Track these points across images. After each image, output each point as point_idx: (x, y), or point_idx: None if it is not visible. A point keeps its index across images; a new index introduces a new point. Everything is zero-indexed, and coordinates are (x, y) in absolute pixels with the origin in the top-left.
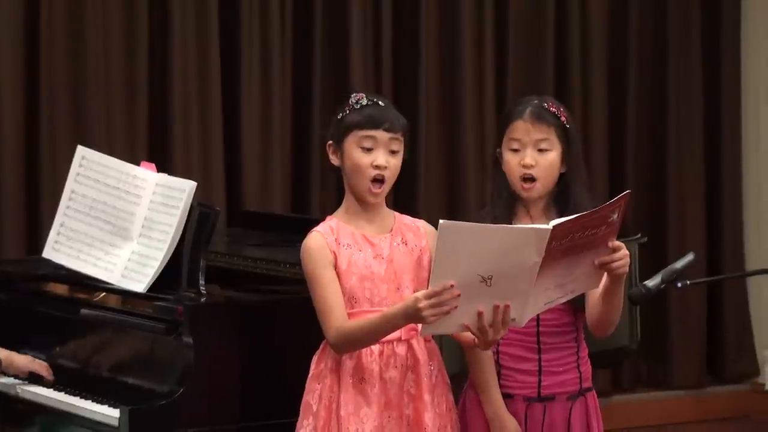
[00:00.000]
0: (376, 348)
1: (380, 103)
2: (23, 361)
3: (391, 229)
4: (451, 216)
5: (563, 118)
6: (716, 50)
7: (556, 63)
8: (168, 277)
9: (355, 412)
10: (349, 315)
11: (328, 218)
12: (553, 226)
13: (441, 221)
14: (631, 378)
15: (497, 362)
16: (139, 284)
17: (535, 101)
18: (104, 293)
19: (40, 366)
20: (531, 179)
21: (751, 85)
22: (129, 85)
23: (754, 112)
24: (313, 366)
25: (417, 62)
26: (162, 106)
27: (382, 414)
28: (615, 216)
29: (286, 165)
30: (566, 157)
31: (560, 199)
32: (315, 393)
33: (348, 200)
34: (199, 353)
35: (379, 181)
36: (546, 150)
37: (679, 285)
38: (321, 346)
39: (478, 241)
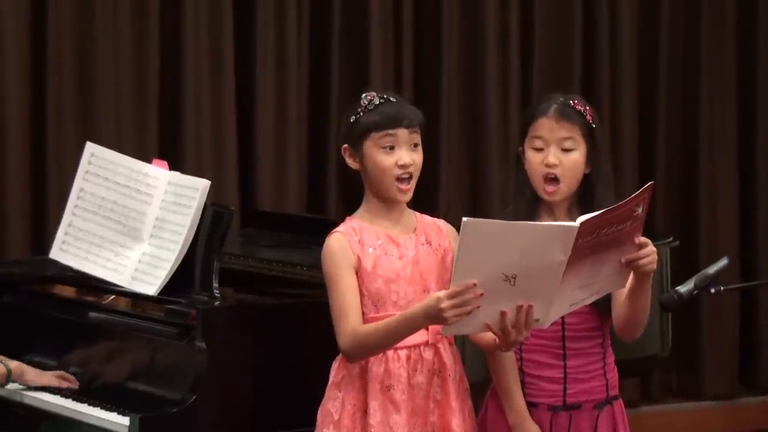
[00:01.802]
0: (403, 353)
1: (392, 99)
2: (33, 375)
3: (415, 229)
4: (473, 216)
5: (589, 117)
6: (751, 45)
7: (584, 59)
8: (180, 280)
9: (385, 420)
10: (374, 318)
11: (348, 219)
12: (581, 223)
13: (464, 219)
14: (660, 388)
15: (521, 370)
16: (150, 287)
17: (561, 98)
18: (114, 296)
19: (51, 380)
20: (554, 179)
21: None
22: (139, 81)
23: None
24: (333, 373)
25: (439, 57)
26: (174, 102)
27: (410, 421)
28: (640, 210)
29: (301, 164)
30: (591, 157)
31: (584, 200)
32: (336, 401)
33: (369, 201)
34: (212, 359)
35: (405, 179)
36: (570, 149)
37: (713, 291)
38: (341, 353)
39: (502, 239)
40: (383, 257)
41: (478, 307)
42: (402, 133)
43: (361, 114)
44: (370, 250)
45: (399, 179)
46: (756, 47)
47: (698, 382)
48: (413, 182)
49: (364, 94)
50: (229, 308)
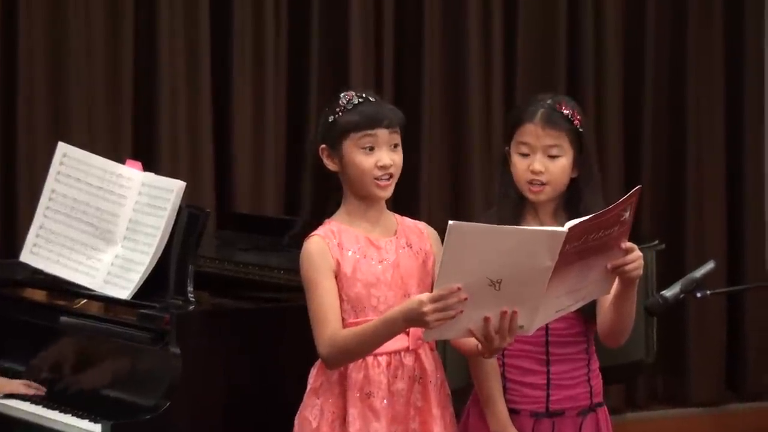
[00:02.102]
0: (383, 359)
1: (372, 99)
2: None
3: (395, 232)
4: (455, 218)
5: (576, 122)
6: (739, 44)
7: (568, 57)
8: (154, 284)
9: (364, 428)
10: (353, 324)
11: (327, 222)
12: (569, 228)
13: (450, 222)
14: (645, 394)
15: (503, 375)
16: (123, 290)
17: (548, 101)
18: (85, 300)
19: (18, 387)
20: (539, 184)
21: None
22: (113, 80)
23: None
24: (311, 379)
25: (420, 57)
26: (148, 102)
27: (389, 428)
28: (627, 214)
29: (279, 165)
30: (578, 161)
31: (571, 203)
32: (315, 408)
33: (349, 203)
34: (186, 365)
35: (385, 179)
36: (557, 156)
37: (699, 295)
38: (320, 359)
39: (488, 243)
40: (363, 261)
41: (462, 311)
42: (382, 133)
43: (340, 114)
44: (350, 253)
45: (379, 180)
46: (743, 47)
47: (684, 388)
48: (393, 181)
49: (342, 94)
50: (204, 313)
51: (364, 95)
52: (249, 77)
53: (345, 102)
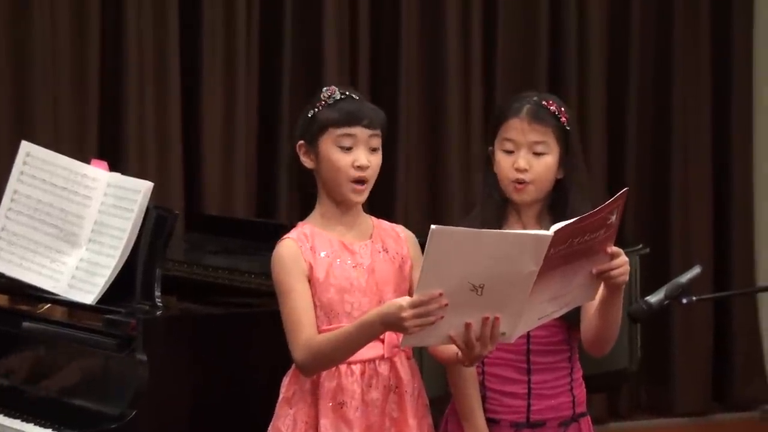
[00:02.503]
0: (357, 368)
1: (355, 96)
2: None
3: (371, 236)
4: (432, 220)
5: (564, 119)
6: (726, 42)
7: (550, 56)
8: (120, 288)
9: None
10: (327, 331)
11: (300, 224)
12: (554, 232)
13: (433, 226)
14: (629, 403)
15: (482, 384)
16: (88, 295)
17: (534, 98)
18: (49, 305)
19: None
20: (523, 182)
21: (763, 82)
22: (79, 79)
23: (767, 111)
24: (283, 389)
25: (397, 55)
26: (115, 101)
27: None
28: (613, 217)
29: (250, 165)
30: (564, 161)
31: (556, 206)
32: (287, 418)
33: (323, 204)
34: (153, 372)
35: (361, 182)
36: (542, 153)
37: (684, 301)
38: (292, 367)
39: (471, 247)
40: (336, 265)
41: (442, 317)
42: (361, 132)
43: (320, 108)
44: (323, 257)
45: (354, 181)
46: (731, 45)
47: (669, 397)
48: (369, 185)
49: (324, 88)
50: (171, 318)
51: (347, 92)
52: (219, 75)
53: (326, 97)
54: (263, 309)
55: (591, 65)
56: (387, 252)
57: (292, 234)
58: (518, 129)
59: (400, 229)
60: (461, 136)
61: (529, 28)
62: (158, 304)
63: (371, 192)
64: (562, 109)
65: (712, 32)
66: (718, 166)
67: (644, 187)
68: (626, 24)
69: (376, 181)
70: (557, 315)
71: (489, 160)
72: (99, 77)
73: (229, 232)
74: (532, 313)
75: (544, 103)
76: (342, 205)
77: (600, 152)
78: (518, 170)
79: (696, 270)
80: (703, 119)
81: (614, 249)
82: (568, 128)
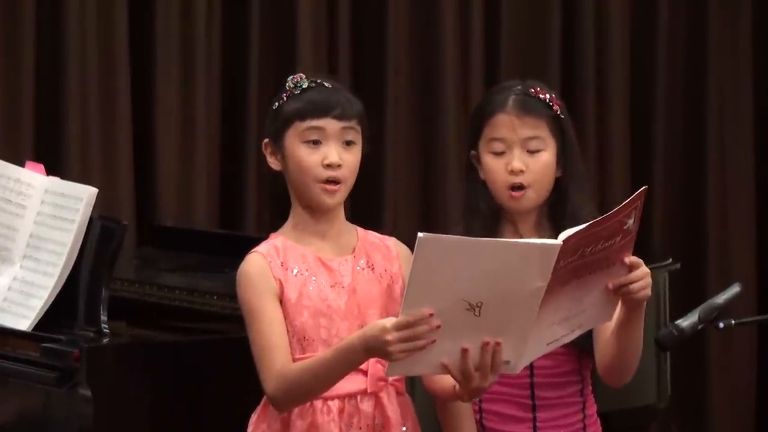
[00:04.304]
0: (334, 404)
1: (326, 84)
2: None
3: (354, 250)
4: (427, 230)
5: (556, 107)
6: None
7: (563, 44)
8: (60, 312)
9: None
10: (300, 360)
11: (272, 236)
12: (563, 240)
13: (420, 234)
14: None
15: (480, 423)
16: (23, 320)
17: (518, 86)
18: None
19: None
20: (520, 188)
21: None
22: (13, 73)
23: None
24: (251, 427)
25: (383, 42)
26: (54, 93)
27: None
28: (631, 221)
29: (212, 169)
30: (561, 156)
31: (555, 210)
32: None
33: (296, 213)
34: (99, 410)
35: (333, 182)
36: (537, 150)
37: (721, 325)
38: (262, 403)
39: (466, 258)
40: (311, 284)
41: (434, 341)
42: (331, 125)
43: (285, 100)
44: (296, 275)
45: (323, 182)
46: None
47: None
48: (343, 187)
49: (290, 77)
50: (120, 347)
51: (317, 80)
52: (176, 68)
53: (292, 86)
54: (228, 335)
55: (611, 58)
56: (373, 269)
57: (261, 248)
58: (506, 125)
59: (392, 243)
60: (459, 132)
61: (537, 12)
62: (105, 330)
63: (355, 198)
64: (553, 95)
65: (753, 15)
66: (761, 167)
67: (675, 193)
68: (653, 7)
69: (362, 190)
70: (568, 339)
71: (472, 167)
72: (35, 70)
73: (187, 246)
74: (539, 338)
75: (531, 91)
76: (316, 212)
77: (623, 156)
78: (513, 173)
79: (735, 289)
80: (743, 112)
81: (633, 259)
82: (562, 117)
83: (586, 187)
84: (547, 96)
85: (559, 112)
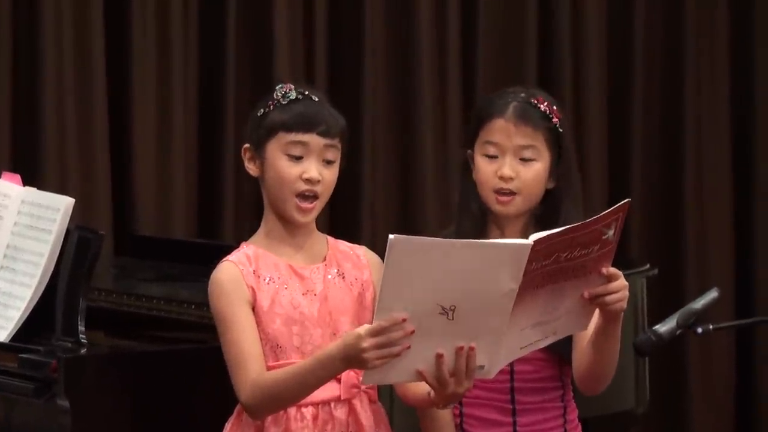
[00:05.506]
0: (308, 411)
1: (314, 98)
2: None
3: (325, 258)
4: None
5: (555, 120)
6: (747, 24)
7: (540, 45)
8: (38, 322)
9: None
10: (274, 368)
11: (244, 245)
12: (534, 241)
13: (391, 236)
14: None
15: (460, 428)
16: (1, 331)
17: (522, 94)
18: None
19: None
20: (508, 194)
21: None
22: None
23: None
24: None
25: (360, 45)
26: (29, 102)
27: None
28: (611, 233)
29: (190, 178)
30: (555, 169)
31: (545, 219)
32: None
33: (268, 222)
34: (77, 421)
35: (309, 197)
36: (530, 160)
37: (700, 331)
38: (236, 411)
39: (437, 260)
40: (283, 292)
41: (408, 347)
42: (314, 141)
43: (271, 108)
44: (268, 282)
45: (301, 196)
46: (752, 24)
47: None
48: (319, 204)
49: (280, 85)
50: (98, 357)
51: (306, 92)
52: (152, 74)
53: (280, 95)
54: (205, 345)
55: (588, 57)
56: (343, 278)
57: (233, 256)
58: (503, 131)
59: (362, 251)
60: (436, 138)
61: (513, 12)
62: (82, 340)
63: (332, 207)
64: (554, 108)
65: (730, 17)
66: (739, 172)
67: (652, 198)
68: (629, 6)
69: (339, 198)
70: (543, 344)
71: (467, 166)
72: (10, 78)
73: (165, 255)
74: (513, 342)
75: (533, 100)
76: (289, 223)
77: (599, 158)
78: (502, 178)
79: (713, 294)
80: (721, 116)
81: (611, 270)
82: (560, 130)
83: (580, 201)
84: (548, 107)
85: (558, 125)
